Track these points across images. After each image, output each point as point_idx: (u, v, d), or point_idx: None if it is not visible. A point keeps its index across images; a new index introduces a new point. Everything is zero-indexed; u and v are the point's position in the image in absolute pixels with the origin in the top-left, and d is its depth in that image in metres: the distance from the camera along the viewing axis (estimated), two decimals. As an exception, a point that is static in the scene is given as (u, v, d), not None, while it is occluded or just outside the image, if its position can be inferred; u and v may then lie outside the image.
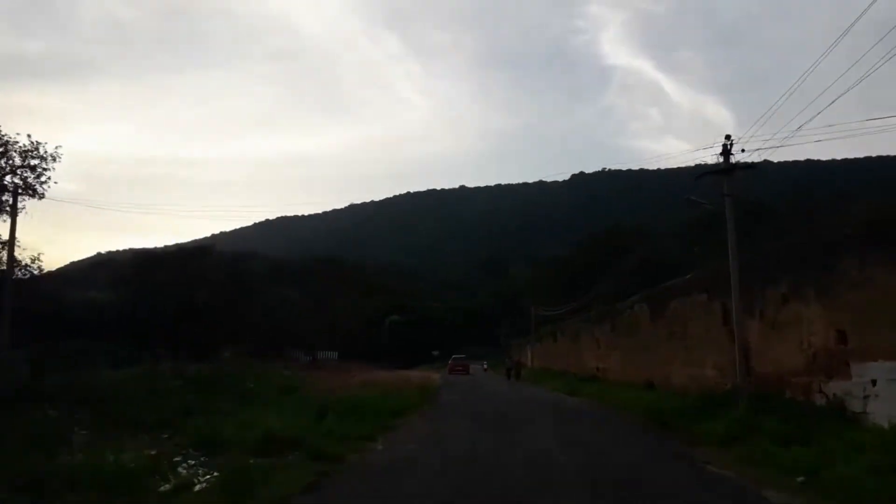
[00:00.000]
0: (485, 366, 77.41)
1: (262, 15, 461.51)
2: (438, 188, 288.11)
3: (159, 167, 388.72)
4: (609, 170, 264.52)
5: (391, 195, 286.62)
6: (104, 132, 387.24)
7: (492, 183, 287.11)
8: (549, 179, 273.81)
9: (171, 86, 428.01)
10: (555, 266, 74.60)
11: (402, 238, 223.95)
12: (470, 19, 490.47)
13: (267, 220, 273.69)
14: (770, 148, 16.54)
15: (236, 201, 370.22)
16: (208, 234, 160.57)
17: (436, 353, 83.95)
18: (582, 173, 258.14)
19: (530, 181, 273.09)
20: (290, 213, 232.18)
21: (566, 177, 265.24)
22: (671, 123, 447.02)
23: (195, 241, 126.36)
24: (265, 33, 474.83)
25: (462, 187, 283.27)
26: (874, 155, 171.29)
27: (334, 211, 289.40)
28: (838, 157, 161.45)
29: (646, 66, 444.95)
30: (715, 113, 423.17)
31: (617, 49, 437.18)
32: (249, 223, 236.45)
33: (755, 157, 17.37)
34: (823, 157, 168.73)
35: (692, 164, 33.31)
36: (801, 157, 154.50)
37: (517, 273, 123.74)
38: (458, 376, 55.44)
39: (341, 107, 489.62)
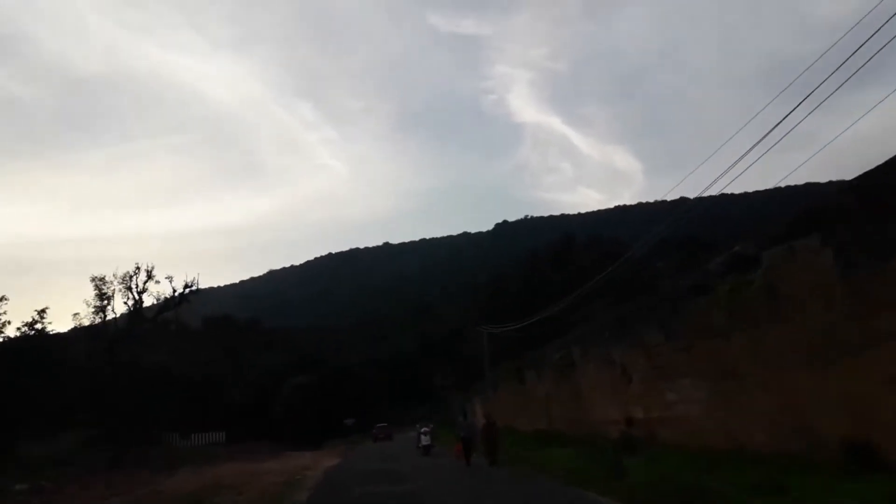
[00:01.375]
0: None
1: (167, 86, 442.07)
2: (361, 247, 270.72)
3: (67, 247, 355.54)
4: (531, 217, 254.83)
5: (311, 258, 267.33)
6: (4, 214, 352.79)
7: (416, 238, 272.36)
8: (472, 231, 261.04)
9: (74, 162, 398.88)
10: (496, 285, 58.52)
11: (324, 300, 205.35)
12: (381, 85, 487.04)
13: (180, 294, 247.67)
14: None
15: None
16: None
17: (349, 421, 64.65)
18: (505, 221, 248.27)
19: (454, 233, 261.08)
20: (204, 286, 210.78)
21: (490, 226, 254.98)
22: (583, 173, 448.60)
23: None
24: (171, 105, 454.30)
25: (386, 244, 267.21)
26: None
27: (251, 279, 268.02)
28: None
29: (554, 122, 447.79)
30: (622, 161, 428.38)
31: (525, 106, 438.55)
32: (160, 298, 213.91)
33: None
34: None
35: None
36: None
37: (447, 313, 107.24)
38: (372, 453, 39.66)
39: (256, 175, 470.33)
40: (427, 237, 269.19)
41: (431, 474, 19.27)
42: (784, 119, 13.99)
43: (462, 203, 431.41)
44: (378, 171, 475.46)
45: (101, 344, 54.49)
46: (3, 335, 38.23)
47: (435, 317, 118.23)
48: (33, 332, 40.84)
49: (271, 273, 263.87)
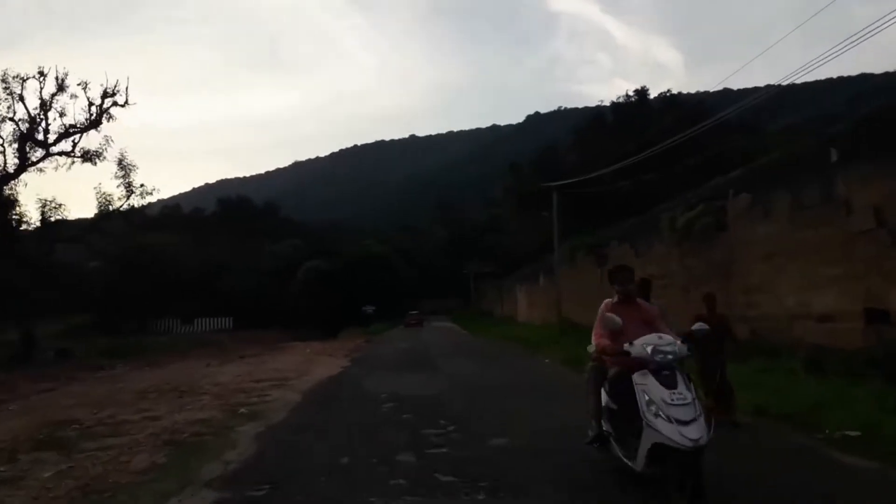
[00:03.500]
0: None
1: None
2: (388, 139, 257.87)
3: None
4: (564, 108, 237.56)
5: (337, 150, 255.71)
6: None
7: (443, 130, 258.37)
8: (502, 123, 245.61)
9: (98, 51, 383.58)
10: (544, 156, 47.46)
11: (348, 193, 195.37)
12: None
13: (207, 185, 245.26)
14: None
15: (174, 168, 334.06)
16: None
17: (368, 308, 55.59)
18: (537, 114, 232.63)
19: (483, 126, 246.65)
20: (231, 176, 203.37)
21: (520, 119, 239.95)
22: (620, 65, 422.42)
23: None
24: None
25: (412, 136, 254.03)
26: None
27: (277, 170, 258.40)
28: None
29: (592, 10, 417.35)
30: (662, 54, 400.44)
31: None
32: (188, 188, 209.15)
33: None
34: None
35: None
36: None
37: (474, 206, 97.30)
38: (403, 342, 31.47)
39: (283, 66, 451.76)
40: (455, 130, 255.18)
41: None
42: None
43: (492, 95, 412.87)
44: (407, 61, 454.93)
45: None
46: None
47: (463, 209, 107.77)
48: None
49: (296, 164, 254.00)
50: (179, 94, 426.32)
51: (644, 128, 43.18)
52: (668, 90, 42.75)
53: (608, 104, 43.28)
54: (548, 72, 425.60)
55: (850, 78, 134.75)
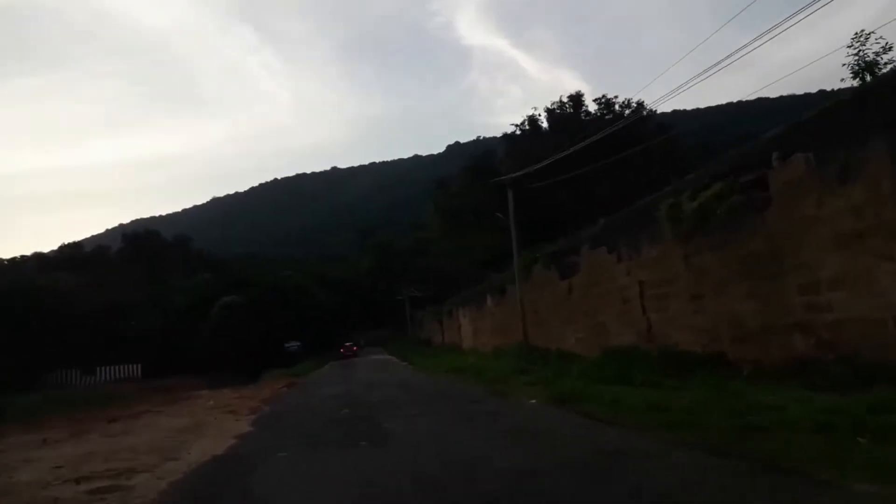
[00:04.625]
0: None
1: (98, 12, 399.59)
2: (308, 172, 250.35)
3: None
4: (483, 137, 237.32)
5: (257, 184, 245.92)
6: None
7: (365, 162, 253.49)
8: (423, 154, 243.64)
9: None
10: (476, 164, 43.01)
11: (270, 228, 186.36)
12: (325, 9, 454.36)
13: (120, 226, 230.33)
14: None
15: (84, 211, 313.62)
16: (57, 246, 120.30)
17: (292, 346, 48.88)
18: (457, 143, 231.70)
19: (405, 156, 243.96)
20: (147, 215, 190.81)
21: (441, 149, 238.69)
22: (532, 97, 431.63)
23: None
24: (104, 31, 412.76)
25: (334, 168, 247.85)
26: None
27: (195, 207, 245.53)
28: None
29: (503, 45, 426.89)
30: (572, 86, 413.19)
31: (473, 29, 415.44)
32: (101, 230, 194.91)
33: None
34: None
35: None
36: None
37: (402, 231, 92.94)
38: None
39: (198, 103, 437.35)
40: (377, 160, 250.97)
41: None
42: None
43: (412, 127, 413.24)
44: (323, 96, 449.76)
45: None
46: None
47: (390, 236, 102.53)
48: None
49: (215, 200, 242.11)
50: (86, 134, 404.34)
51: (582, 131, 40.02)
52: (604, 95, 39.59)
53: (542, 112, 39.56)
54: (464, 103, 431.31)
55: (747, 102, 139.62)
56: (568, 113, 39.94)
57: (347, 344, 55.83)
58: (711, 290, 12.80)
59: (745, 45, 13.82)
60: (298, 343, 49.80)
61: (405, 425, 9.89)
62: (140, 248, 75.52)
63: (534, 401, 12.13)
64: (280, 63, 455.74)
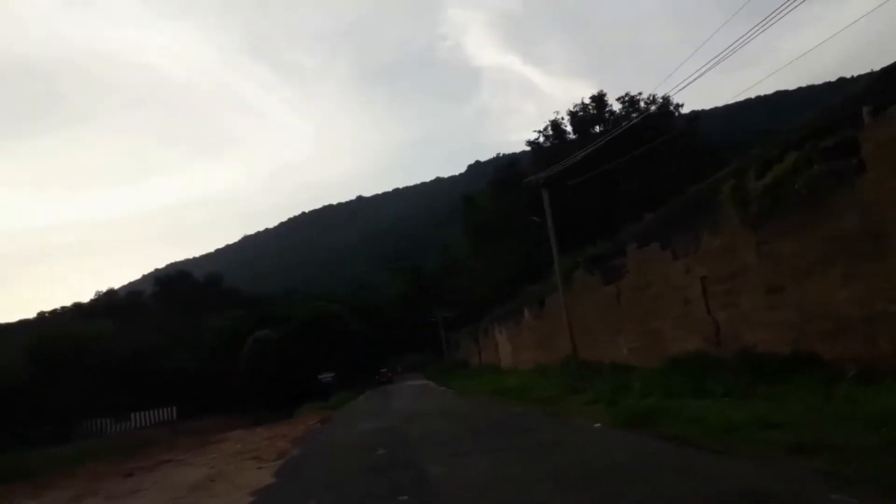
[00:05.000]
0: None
1: (116, 63, 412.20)
2: (335, 202, 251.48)
3: (32, 236, 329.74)
4: (502, 154, 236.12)
5: (285, 219, 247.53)
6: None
7: (389, 188, 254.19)
8: (445, 175, 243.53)
9: (25, 151, 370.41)
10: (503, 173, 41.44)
11: (301, 261, 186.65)
12: (337, 41, 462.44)
13: (155, 270, 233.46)
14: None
15: (118, 259, 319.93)
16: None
17: (326, 377, 47.73)
18: (477, 162, 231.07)
19: (427, 180, 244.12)
20: (180, 258, 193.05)
21: (462, 169, 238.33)
22: (547, 111, 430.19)
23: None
24: (122, 82, 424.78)
25: (359, 197, 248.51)
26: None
27: (226, 247, 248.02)
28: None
29: (513, 61, 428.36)
30: (585, 92, 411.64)
31: (483, 49, 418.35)
32: (137, 276, 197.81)
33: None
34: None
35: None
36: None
37: (429, 255, 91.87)
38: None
39: (220, 144, 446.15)
40: (400, 186, 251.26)
41: None
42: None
43: (431, 150, 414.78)
44: (343, 127, 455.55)
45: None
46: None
47: (419, 260, 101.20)
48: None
49: (245, 239, 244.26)
50: (116, 182, 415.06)
51: (606, 132, 38.29)
52: (627, 92, 37.89)
53: (565, 116, 37.94)
54: (481, 123, 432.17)
55: (766, 97, 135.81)
56: (591, 114, 38.33)
57: (383, 371, 59.29)
58: (792, 280, 10.97)
59: (752, 29, 12.48)
60: (332, 374, 48.34)
61: (454, 468, 8.19)
62: (172, 289, 75.40)
63: (598, 424, 10.39)
64: (298, 98, 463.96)
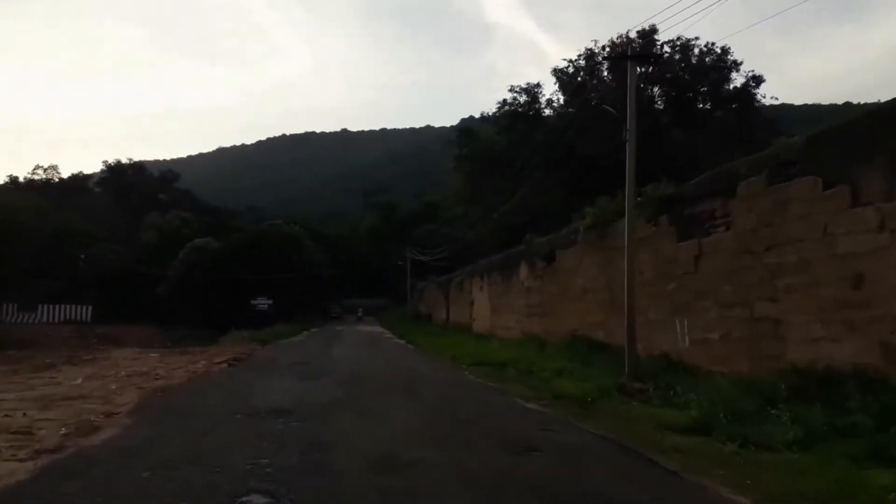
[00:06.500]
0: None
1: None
2: (318, 131, 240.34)
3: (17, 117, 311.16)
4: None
5: (264, 138, 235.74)
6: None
7: (376, 127, 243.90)
8: (436, 125, 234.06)
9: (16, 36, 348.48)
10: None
11: (278, 184, 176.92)
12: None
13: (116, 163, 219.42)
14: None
15: (89, 151, 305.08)
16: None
17: (261, 303, 40.26)
18: (471, 117, 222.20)
19: (417, 126, 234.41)
20: (149, 158, 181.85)
21: (454, 122, 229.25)
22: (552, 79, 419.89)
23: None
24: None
25: (344, 130, 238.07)
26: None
27: (200, 155, 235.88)
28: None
29: (529, 27, 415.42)
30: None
31: (499, 7, 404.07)
32: (101, 168, 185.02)
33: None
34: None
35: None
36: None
37: (410, 199, 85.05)
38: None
39: (211, 51, 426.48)
40: (388, 127, 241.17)
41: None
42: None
43: (427, 97, 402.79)
44: (339, 58, 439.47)
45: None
46: None
47: (396, 198, 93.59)
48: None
49: (220, 150, 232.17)
50: (99, 75, 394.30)
51: (653, 74, 31.62)
52: (680, 36, 31.07)
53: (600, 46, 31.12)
54: (482, 79, 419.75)
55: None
56: (636, 52, 31.38)
57: (335, 308, 61.86)
58: None
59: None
60: (270, 301, 41.05)
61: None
62: (121, 180, 66.94)
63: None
64: (302, 20, 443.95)
